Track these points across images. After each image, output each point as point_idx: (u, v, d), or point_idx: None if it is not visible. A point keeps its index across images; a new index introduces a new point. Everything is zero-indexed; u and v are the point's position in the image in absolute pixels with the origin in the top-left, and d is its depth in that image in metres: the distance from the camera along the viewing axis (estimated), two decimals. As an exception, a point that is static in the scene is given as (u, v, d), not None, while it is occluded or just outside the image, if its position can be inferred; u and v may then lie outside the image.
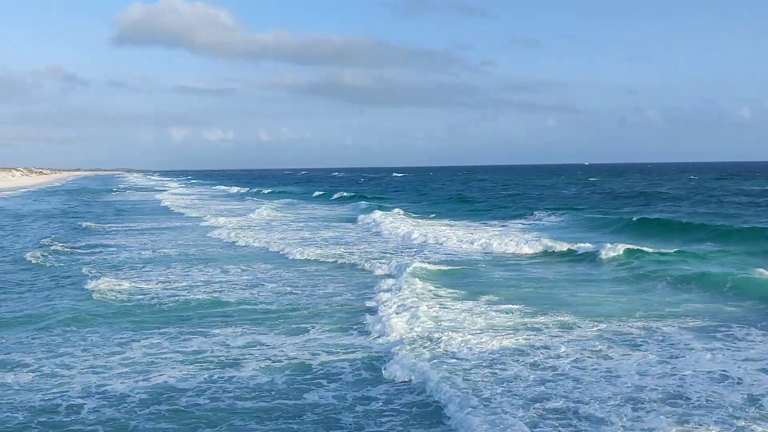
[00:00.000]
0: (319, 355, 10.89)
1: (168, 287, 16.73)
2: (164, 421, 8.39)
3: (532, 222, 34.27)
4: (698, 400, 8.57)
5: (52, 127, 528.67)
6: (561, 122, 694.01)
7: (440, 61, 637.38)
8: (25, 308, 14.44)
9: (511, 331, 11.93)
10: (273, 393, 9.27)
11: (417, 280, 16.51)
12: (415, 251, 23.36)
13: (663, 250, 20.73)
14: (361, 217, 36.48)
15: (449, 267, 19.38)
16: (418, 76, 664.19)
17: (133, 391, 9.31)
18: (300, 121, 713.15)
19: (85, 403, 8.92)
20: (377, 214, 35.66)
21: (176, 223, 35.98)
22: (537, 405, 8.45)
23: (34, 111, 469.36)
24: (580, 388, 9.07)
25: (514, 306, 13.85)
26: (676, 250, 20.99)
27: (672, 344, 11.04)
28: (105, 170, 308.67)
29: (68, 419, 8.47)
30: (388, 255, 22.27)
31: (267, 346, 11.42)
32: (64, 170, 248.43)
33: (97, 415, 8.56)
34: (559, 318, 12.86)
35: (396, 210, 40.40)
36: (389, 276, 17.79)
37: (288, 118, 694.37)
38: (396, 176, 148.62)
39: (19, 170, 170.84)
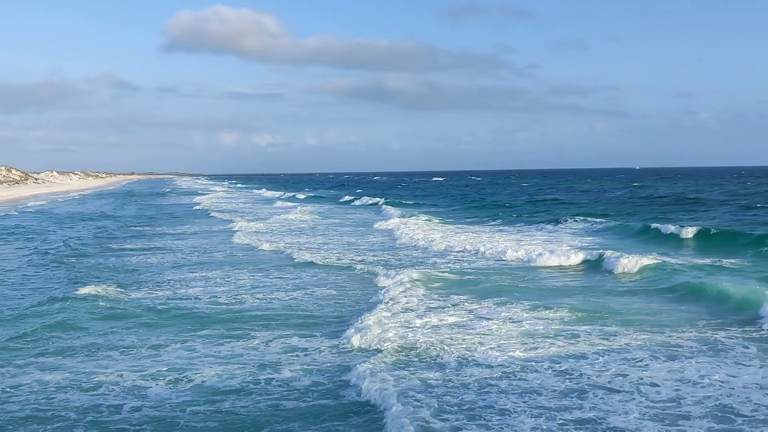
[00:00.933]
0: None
1: (204, 290, 16.62)
2: (208, 420, 8.32)
3: (567, 228, 32.45)
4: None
5: (106, 132, 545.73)
6: (610, 126, 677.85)
7: (486, 64, 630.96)
8: (66, 307, 14.38)
9: (544, 340, 11.37)
10: (315, 394, 9.14)
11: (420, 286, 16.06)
12: (432, 257, 22.63)
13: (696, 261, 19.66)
14: (380, 222, 35.76)
15: (462, 277, 18.16)
16: (464, 79, 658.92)
17: (174, 393, 9.22)
18: (347, 126, 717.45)
19: (124, 403, 8.85)
20: (395, 220, 35.22)
21: (211, 227, 35.82)
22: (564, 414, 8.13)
23: (89, 116, 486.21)
24: (612, 399, 8.60)
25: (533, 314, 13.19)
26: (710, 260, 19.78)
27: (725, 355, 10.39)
28: (158, 174, 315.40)
29: (112, 419, 8.41)
30: (398, 260, 21.67)
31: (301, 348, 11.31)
32: (119, 174, 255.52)
33: (140, 415, 8.50)
34: (601, 328, 12.17)
35: (421, 215, 39.80)
36: (387, 278, 17.25)
37: (335, 122, 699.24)
38: (436, 180, 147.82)
39: (77, 174, 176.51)
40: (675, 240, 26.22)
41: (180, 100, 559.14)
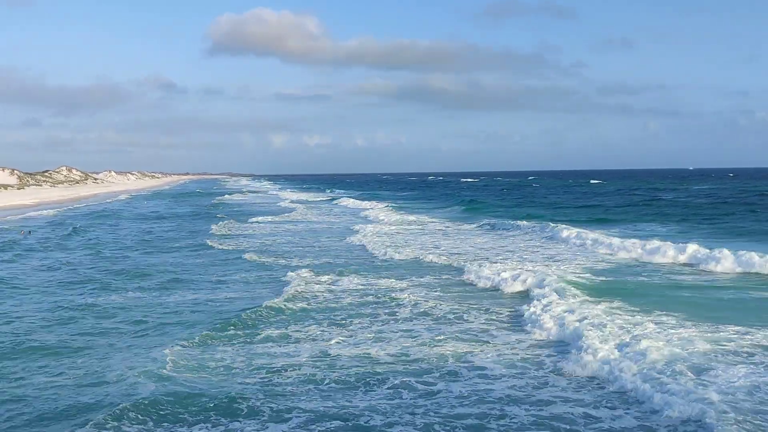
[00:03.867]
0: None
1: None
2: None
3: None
4: None
5: (158, 133, 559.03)
6: (661, 126, 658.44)
7: (530, 63, 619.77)
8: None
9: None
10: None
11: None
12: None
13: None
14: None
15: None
16: (509, 79, 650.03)
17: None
18: (393, 126, 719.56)
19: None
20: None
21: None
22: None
23: (140, 118, 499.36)
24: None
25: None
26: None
27: None
28: (211, 174, 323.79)
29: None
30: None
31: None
32: (174, 174, 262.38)
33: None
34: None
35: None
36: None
37: (381, 123, 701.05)
38: (466, 181, 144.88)
39: (134, 174, 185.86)
40: None
41: (227, 102, 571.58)
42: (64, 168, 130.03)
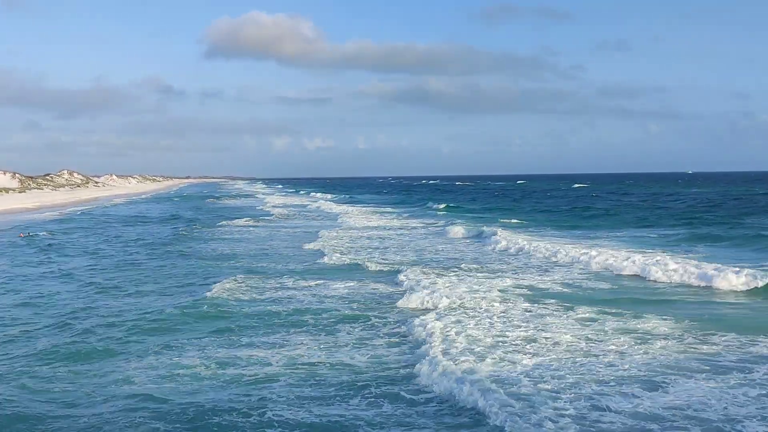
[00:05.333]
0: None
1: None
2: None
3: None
4: None
5: (158, 135, 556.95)
6: (660, 128, 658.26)
7: (528, 66, 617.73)
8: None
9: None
10: None
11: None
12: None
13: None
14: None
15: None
16: (507, 82, 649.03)
17: None
18: (394, 129, 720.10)
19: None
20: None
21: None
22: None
23: (140, 120, 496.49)
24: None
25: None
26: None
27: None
28: (213, 177, 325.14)
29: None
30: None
31: None
32: (175, 177, 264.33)
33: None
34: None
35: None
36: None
37: (382, 126, 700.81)
38: (461, 184, 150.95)
39: (135, 177, 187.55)
40: None
41: (225, 105, 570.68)
42: (65, 171, 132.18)
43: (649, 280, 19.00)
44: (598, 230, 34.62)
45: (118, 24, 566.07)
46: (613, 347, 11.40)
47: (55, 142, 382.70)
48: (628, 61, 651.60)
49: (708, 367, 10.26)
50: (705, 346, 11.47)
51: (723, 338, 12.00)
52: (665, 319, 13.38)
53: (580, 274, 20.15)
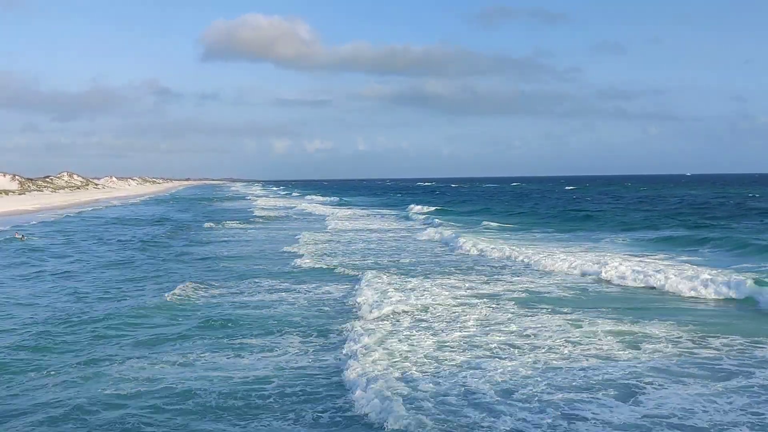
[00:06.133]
0: None
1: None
2: None
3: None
4: None
5: (157, 138, 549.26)
6: (659, 130, 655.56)
7: (525, 68, 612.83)
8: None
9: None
10: None
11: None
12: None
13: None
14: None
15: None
16: (505, 84, 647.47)
17: None
18: (393, 132, 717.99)
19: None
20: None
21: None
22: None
23: (139, 122, 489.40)
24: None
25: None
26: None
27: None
28: (212, 179, 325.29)
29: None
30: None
31: None
32: (174, 179, 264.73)
33: None
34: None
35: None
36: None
37: (381, 128, 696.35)
38: (455, 186, 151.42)
39: (134, 179, 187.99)
40: None
41: (223, 107, 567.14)
42: (65, 174, 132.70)
43: (604, 281, 19.43)
44: (577, 232, 35.28)
45: (114, 26, 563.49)
46: (554, 352, 11.48)
47: (54, 143, 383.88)
48: (625, 62, 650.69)
49: (641, 370, 10.31)
50: (631, 352, 11.50)
51: (651, 346, 12.00)
52: (608, 319, 13.51)
53: (536, 278, 20.39)
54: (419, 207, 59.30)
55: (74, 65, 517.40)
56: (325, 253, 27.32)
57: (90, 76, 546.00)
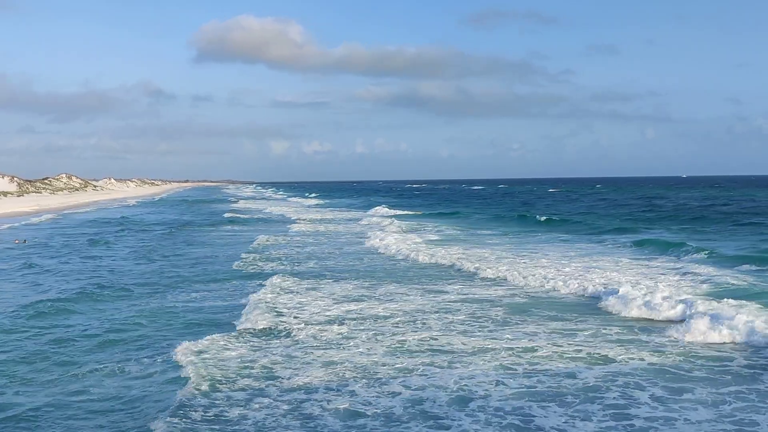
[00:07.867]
0: None
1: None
2: None
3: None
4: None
5: (154, 139, 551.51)
6: (655, 132, 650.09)
7: (519, 70, 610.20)
8: None
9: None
10: None
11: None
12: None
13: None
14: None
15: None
16: (499, 86, 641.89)
17: None
18: (390, 133, 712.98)
19: None
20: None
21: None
22: None
23: (135, 124, 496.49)
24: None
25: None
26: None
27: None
28: (211, 181, 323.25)
29: None
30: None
31: None
32: (173, 181, 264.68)
33: None
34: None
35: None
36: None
37: (377, 130, 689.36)
38: (444, 187, 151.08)
39: (133, 181, 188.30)
40: None
41: (218, 109, 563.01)
42: (63, 175, 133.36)
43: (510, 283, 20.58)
44: (532, 234, 37.07)
45: (107, 27, 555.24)
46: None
47: (51, 145, 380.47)
48: (620, 65, 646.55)
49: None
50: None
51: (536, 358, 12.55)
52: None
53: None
54: (384, 210, 60.94)
55: (68, 67, 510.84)
56: (268, 258, 28.01)
57: (84, 78, 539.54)
